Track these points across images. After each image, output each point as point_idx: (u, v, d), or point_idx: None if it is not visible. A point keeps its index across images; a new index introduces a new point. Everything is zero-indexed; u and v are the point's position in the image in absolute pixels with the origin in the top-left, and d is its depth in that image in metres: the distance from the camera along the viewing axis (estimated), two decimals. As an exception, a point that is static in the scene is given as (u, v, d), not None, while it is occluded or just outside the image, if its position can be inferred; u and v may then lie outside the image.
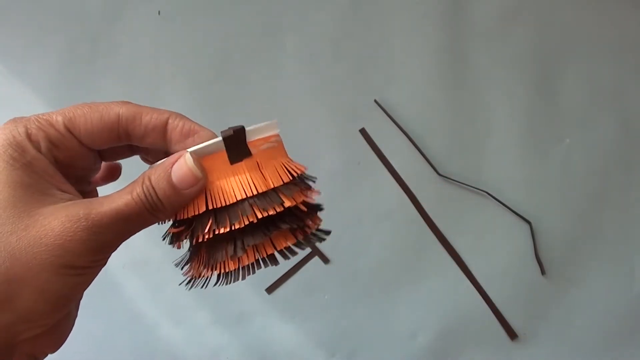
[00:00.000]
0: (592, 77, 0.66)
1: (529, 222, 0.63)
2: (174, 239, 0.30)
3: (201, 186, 0.28)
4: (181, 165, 0.28)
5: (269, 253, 0.30)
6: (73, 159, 0.30)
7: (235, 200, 0.28)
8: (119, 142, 0.30)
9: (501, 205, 0.63)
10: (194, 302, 0.60)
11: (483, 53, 0.67)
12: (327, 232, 0.33)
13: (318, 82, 0.66)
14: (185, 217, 0.29)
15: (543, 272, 0.62)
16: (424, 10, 0.68)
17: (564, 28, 0.67)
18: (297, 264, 0.61)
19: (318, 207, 0.32)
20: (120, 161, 0.35)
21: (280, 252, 0.31)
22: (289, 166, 0.31)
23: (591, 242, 0.63)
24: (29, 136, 0.28)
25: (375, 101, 0.66)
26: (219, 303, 0.60)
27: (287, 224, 0.29)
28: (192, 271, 0.30)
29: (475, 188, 0.64)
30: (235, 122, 0.30)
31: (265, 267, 0.31)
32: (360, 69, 0.67)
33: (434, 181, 0.64)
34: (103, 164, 0.35)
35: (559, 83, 0.66)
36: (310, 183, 0.32)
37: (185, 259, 0.31)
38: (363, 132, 0.66)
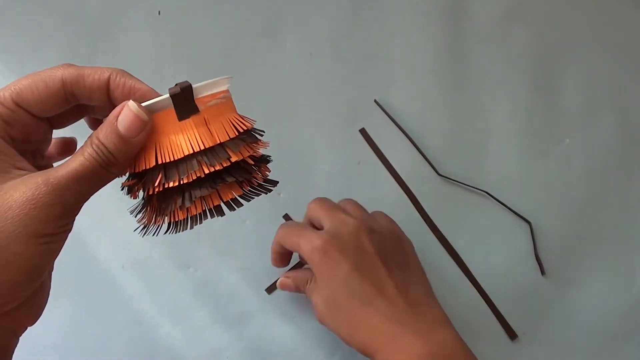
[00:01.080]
0: (592, 77, 0.67)
1: (529, 222, 0.63)
2: (129, 191, 0.32)
3: (149, 130, 0.29)
4: (126, 114, 0.29)
5: (215, 204, 0.32)
6: (27, 134, 0.30)
7: (183, 156, 0.30)
8: (68, 104, 0.31)
9: (501, 205, 0.63)
10: (194, 302, 0.60)
11: (483, 53, 0.67)
12: (274, 183, 0.35)
13: (318, 82, 0.66)
14: (138, 171, 0.30)
15: (543, 272, 0.62)
16: (424, 11, 0.68)
17: (564, 28, 0.67)
18: (297, 263, 0.61)
19: (266, 159, 0.34)
20: (76, 136, 0.37)
21: (227, 203, 0.33)
22: (236, 121, 0.32)
23: (591, 242, 0.63)
24: None
25: (375, 101, 0.66)
26: (219, 303, 0.60)
27: (233, 176, 0.31)
28: (145, 219, 0.32)
29: (475, 188, 0.64)
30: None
31: (212, 217, 0.33)
32: (360, 69, 0.67)
33: (434, 181, 0.64)
34: (58, 139, 0.36)
35: (559, 83, 0.67)
36: (258, 136, 0.34)
37: (139, 208, 0.33)
38: (363, 132, 0.66)
